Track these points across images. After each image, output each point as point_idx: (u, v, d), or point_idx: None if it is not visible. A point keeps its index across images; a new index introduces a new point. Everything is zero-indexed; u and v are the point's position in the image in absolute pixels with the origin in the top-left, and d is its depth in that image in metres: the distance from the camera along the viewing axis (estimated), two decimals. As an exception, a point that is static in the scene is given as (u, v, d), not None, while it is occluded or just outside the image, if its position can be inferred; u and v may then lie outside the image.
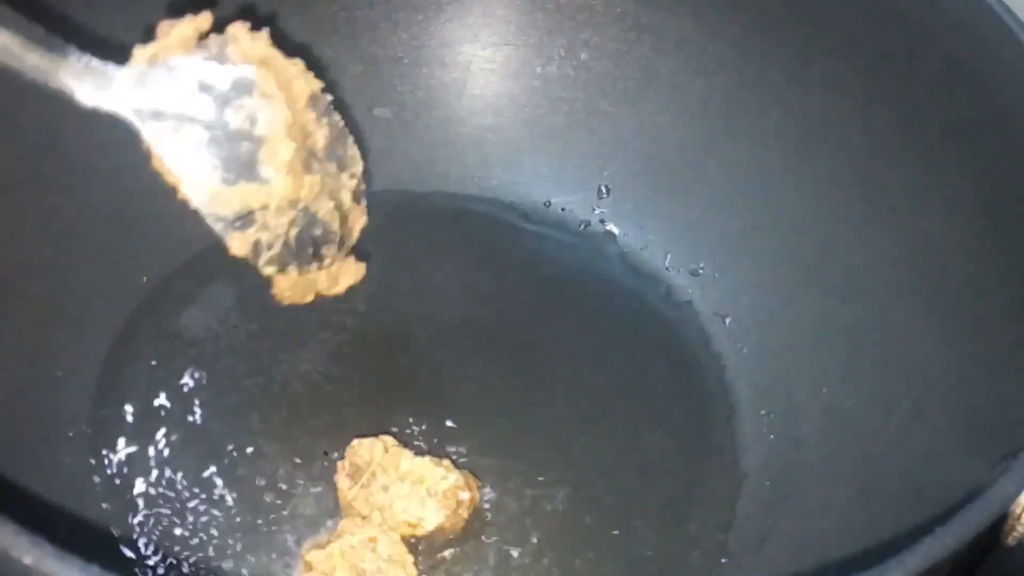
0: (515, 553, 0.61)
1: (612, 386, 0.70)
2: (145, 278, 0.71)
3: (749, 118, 0.74)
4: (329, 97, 0.53)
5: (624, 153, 0.78)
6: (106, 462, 0.63)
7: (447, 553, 0.61)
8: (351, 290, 0.72)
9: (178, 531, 0.60)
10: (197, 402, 0.66)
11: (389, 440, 0.62)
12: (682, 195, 0.76)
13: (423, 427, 0.66)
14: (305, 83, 0.51)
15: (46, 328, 0.65)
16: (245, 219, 0.51)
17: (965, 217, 0.62)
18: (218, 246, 0.73)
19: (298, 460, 0.64)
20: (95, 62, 0.46)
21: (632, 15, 0.76)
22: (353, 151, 0.56)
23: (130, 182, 0.71)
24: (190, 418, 0.65)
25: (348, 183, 0.55)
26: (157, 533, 0.60)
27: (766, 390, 0.69)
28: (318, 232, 0.55)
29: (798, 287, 0.71)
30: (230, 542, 0.60)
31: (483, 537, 0.62)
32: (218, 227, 0.50)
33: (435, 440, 0.65)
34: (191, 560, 0.59)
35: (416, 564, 0.58)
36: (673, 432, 0.68)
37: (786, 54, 0.71)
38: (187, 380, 0.67)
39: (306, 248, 0.55)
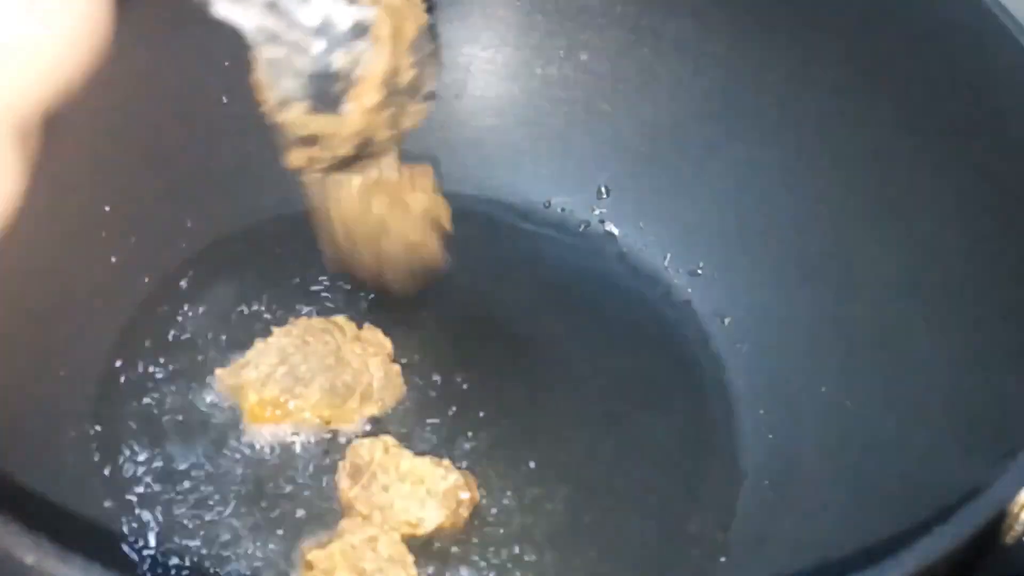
0: (515, 553, 0.61)
1: (611, 386, 0.70)
2: (145, 278, 0.71)
3: (749, 118, 0.74)
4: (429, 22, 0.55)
5: (624, 153, 0.78)
6: (108, 461, 0.63)
7: (447, 553, 0.61)
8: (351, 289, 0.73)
9: (179, 530, 0.60)
10: (198, 402, 0.66)
11: (389, 440, 0.62)
12: (682, 195, 0.77)
13: (423, 427, 0.66)
14: (414, 21, 0.54)
15: (47, 328, 0.65)
16: (311, 139, 0.55)
17: (965, 217, 0.62)
18: (218, 246, 0.74)
19: (299, 460, 0.64)
20: None
21: (632, 16, 0.76)
22: (431, 71, 0.58)
23: (130, 181, 0.71)
24: (191, 417, 0.65)
25: (416, 110, 0.58)
26: (158, 532, 0.60)
27: (765, 390, 0.69)
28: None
29: (798, 287, 0.71)
30: (231, 541, 0.60)
31: (483, 537, 0.62)
32: (285, 139, 0.54)
33: (435, 440, 0.66)
34: (192, 559, 0.59)
35: (416, 564, 0.59)
36: (672, 431, 0.68)
37: (786, 54, 0.71)
38: (188, 380, 0.67)
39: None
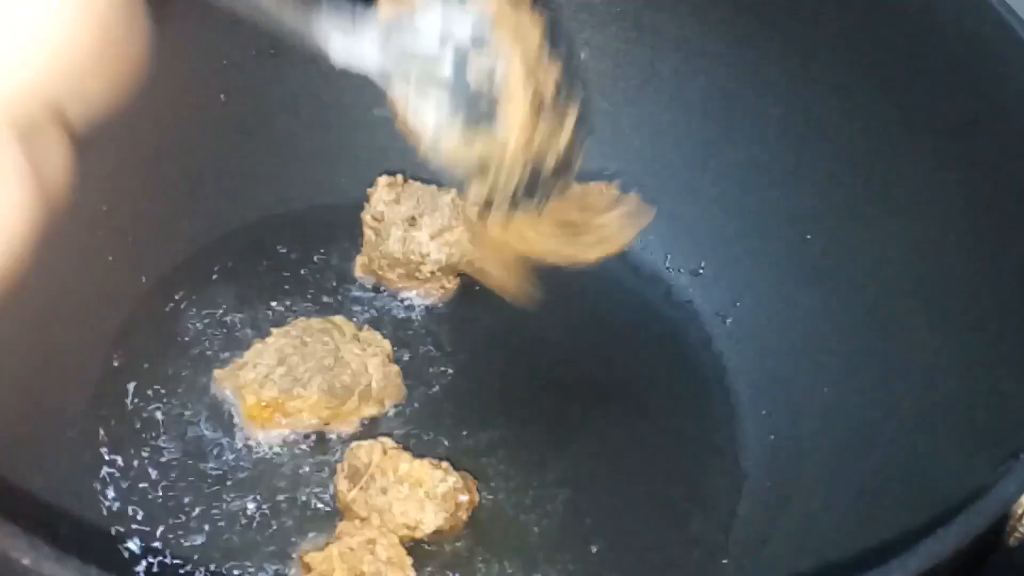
0: (515, 554, 0.61)
1: (612, 386, 0.70)
2: (145, 278, 0.71)
3: (749, 118, 0.74)
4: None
5: (624, 153, 0.78)
6: (106, 461, 0.63)
7: (446, 555, 0.61)
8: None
9: (177, 531, 0.60)
10: (196, 402, 0.66)
11: (388, 442, 0.62)
12: (682, 195, 0.76)
13: (422, 428, 0.66)
14: (534, 28, 0.53)
15: (44, 328, 0.65)
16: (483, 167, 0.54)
17: (965, 217, 0.61)
18: (215, 245, 0.73)
19: (297, 461, 0.64)
20: (344, 20, 0.48)
21: (632, 14, 0.76)
22: (573, 81, 0.57)
23: (127, 181, 0.71)
24: (189, 418, 0.65)
25: (569, 121, 0.56)
26: (156, 533, 0.60)
27: (766, 390, 0.69)
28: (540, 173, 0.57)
29: (798, 287, 0.70)
30: (229, 543, 0.60)
31: (483, 539, 0.61)
32: (457, 177, 0.54)
33: (434, 441, 0.65)
34: (189, 560, 0.59)
35: (415, 566, 0.58)
36: (674, 432, 0.68)
37: (786, 54, 0.71)
38: (186, 380, 0.66)
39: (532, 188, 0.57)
